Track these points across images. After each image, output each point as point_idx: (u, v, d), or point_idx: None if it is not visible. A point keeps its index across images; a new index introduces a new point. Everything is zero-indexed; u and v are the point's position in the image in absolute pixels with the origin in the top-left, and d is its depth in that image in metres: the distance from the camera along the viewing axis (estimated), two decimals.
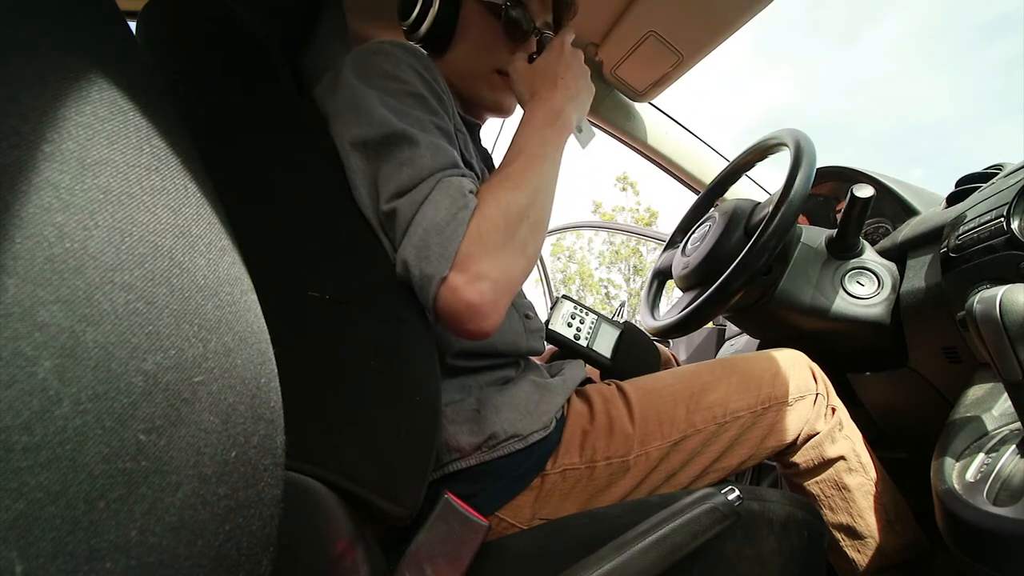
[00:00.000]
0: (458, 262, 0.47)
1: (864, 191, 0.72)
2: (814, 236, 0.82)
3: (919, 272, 0.71)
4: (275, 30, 0.60)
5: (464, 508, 0.47)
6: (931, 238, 0.70)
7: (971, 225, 0.60)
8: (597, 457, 0.60)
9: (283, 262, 0.44)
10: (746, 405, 0.64)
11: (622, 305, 1.77)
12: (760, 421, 0.64)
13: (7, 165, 0.19)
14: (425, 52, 0.64)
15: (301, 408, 0.33)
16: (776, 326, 0.86)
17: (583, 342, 0.81)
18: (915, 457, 0.79)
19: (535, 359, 0.71)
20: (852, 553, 0.65)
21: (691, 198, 1.11)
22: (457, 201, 0.48)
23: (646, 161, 1.30)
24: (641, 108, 1.23)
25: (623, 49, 1.05)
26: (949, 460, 0.48)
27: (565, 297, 0.84)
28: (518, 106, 0.66)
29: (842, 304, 0.76)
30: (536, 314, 0.70)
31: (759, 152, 0.91)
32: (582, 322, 0.82)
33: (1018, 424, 0.48)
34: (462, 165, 0.53)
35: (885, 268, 0.76)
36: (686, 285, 0.93)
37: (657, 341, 0.93)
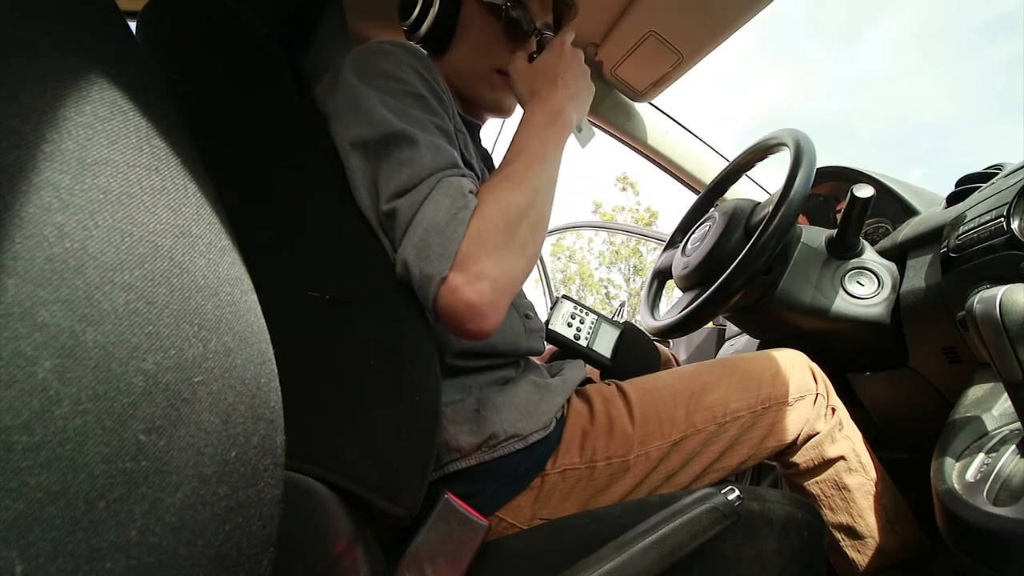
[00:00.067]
0: (458, 262, 0.47)
1: (864, 191, 0.72)
2: (814, 236, 0.82)
3: (919, 272, 0.71)
4: (275, 30, 0.60)
5: (464, 508, 0.47)
6: (931, 238, 0.70)
7: (971, 225, 0.60)
8: (597, 457, 0.60)
9: (283, 262, 0.44)
10: (746, 405, 0.64)
11: (622, 305, 1.77)
12: (760, 421, 0.64)
13: (7, 165, 0.19)
14: (425, 52, 0.64)
15: (301, 408, 0.33)
16: (776, 326, 0.86)
17: (583, 342, 0.81)
18: (915, 457, 0.79)
19: (535, 359, 0.71)
20: (852, 553, 0.65)
21: (691, 198, 1.11)
22: (457, 201, 0.48)
23: (646, 161, 1.30)
24: (641, 108, 1.23)
25: (623, 49, 1.05)
26: (949, 460, 0.48)
27: (565, 297, 0.84)
28: (518, 106, 0.67)
29: (842, 304, 0.76)
30: (536, 314, 0.70)
31: (759, 152, 0.91)
32: (582, 322, 0.82)
33: (1018, 424, 0.48)
34: (462, 165, 0.53)
35: (885, 268, 0.76)
36: (686, 285, 0.93)
37: (657, 341, 0.93)
